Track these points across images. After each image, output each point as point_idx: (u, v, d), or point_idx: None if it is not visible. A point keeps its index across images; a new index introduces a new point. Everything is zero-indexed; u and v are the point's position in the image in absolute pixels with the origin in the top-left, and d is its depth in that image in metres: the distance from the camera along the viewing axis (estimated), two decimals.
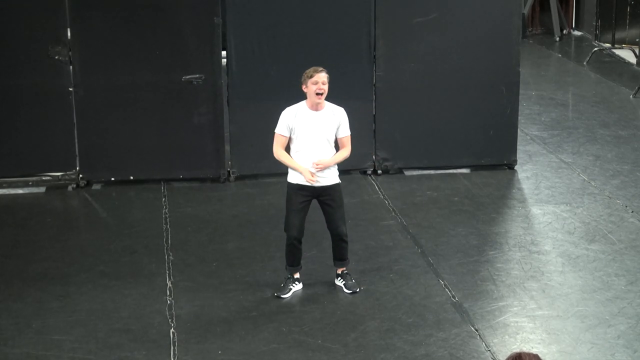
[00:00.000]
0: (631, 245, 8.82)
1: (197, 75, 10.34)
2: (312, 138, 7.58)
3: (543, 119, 13.12)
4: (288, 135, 7.65)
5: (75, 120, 10.32)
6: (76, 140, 10.38)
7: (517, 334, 7.20)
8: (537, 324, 7.33)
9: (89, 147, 10.40)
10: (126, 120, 10.40)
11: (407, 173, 10.88)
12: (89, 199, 10.21)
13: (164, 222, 9.48)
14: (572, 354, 6.89)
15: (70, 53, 10.17)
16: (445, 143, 10.86)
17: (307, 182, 7.59)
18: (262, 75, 10.45)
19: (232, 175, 10.65)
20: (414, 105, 10.76)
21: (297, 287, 7.90)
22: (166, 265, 8.46)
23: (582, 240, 8.95)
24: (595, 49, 17.36)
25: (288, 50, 10.42)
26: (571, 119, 13.21)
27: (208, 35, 10.29)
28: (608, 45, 17.87)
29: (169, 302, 7.75)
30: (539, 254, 8.64)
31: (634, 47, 16.90)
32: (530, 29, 19.47)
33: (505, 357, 4.31)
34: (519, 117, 11.24)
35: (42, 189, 10.40)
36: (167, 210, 9.80)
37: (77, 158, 10.43)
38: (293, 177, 7.69)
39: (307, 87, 7.56)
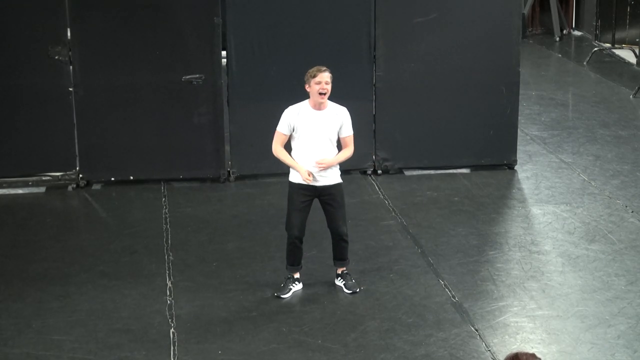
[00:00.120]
0: (631, 245, 8.82)
1: (197, 75, 10.34)
2: (315, 137, 7.58)
3: (543, 119, 13.12)
4: (288, 134, 7.66)
5: (75, 120, 10.32)
6: (76, 140, 10.38)
7: (517, 334, 7.20)
8: (537, 324, 7.33)
9: (89, 147, 10.40)
10: (126, 120, 10.40)
11: (407, 173, 10.88)
12: (89, 199, 10.21)
13: (164, 222, 9.48)
14: (572, 354, 6.89)
15: (70, 53, 10.17)
16: (445, 143, 10.87)
17: (304, 180, 7.59)
18: (262, 75, 10.45)
19: (232, 175, 10.65)
20: (414, 105, 10.76)
21: (297, 287, 7.90)
22: (166, 265, 8.46)
23: (582, 240, 8.95)
24: (595, 49, 17.37)
25: (288, 50, 10.42)
26: (571, 119, 13.21)
27: (208, 35, 10.29)
28: (608, 45, 17.87)
29: (169, 302, 7.75)
30: (539, 254, 8.65)
31: (634, 47, 16.90)
32: (530, 29, 19.48)
33: (504, 358, 4.32)
34: (519, 117, 11.24)
35: (42, 189, 10.40)
36: (167, 210, 9.80)
37: (77, 158, 10.43)
38: (295, 177, 7.69)
39: (310, 86, 7.55)
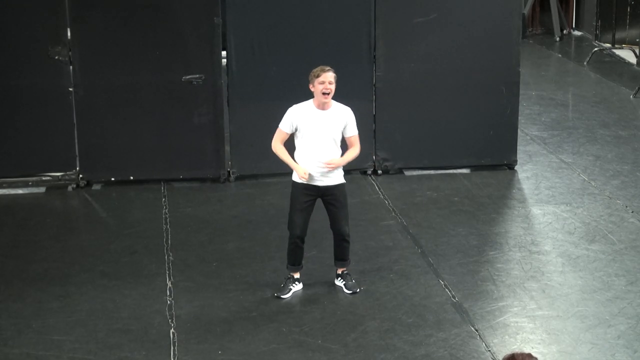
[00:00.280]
0: (631, 245, 8.82)
1: (197, 75, 10.34)
2: (319, 137, 7.58)
3: (543, 119, 13.12)
4: (289, 132, 7.66)
5: (75, 120, 10.32)
6: (76, 140, 10.38)
7: (517, 334, 7.20)
8: (537, 324, 7.33)
9: (89, 147, 10.40)
10: (126, 120, 10.40)
11: (407, 173, 10.88)
12: (89, 199, 10.21)
13: (164, 222, 9.48)
14: (572, 354, 6.89)
15: (70, 53, 10.17)
16: (445, 143, 10.87)
17: (300, 179, 7.59)
18: (262, 75, 10.45)
19: (232, 176, 10.65)
20: (414, 105, 10.76)
21: (297, 287, 7.90)
22: (166, 265, 8.46)
23: (582, 240, 8.95)
24: (596, 49, 17.37)
25: (288, 50, 10.42)
26: (571, 119, 13.21)
27: (208, 35, 10.29)
28: (608, 45, 17.87)
29: (169, 302, 7.75)
30: (539, 254, 8.64)
31: (634, 47, 16.90)
32: (530, 29, 19.48)
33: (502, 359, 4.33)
34: (519, 117, 11.24)
35: (42, 189, 10.40)
36: (167, 210, 9.80)
37: (77, 158, 10.43)
38: (298, 177, 7.68)
39: (314, 86, 7.55)
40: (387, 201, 10.03)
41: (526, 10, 18.78)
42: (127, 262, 8.55)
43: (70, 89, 10.25)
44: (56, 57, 10.14)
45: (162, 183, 10.52)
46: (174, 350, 6.99)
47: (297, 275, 7.92)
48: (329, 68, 7.57)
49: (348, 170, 9.99)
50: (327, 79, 7.51)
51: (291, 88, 9.98)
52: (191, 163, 10.57)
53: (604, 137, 12.19)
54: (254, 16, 10.33)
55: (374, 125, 10.73)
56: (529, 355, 4.27)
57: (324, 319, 7.44)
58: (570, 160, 11.27)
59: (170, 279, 8.17)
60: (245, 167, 10.67)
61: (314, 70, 7.57)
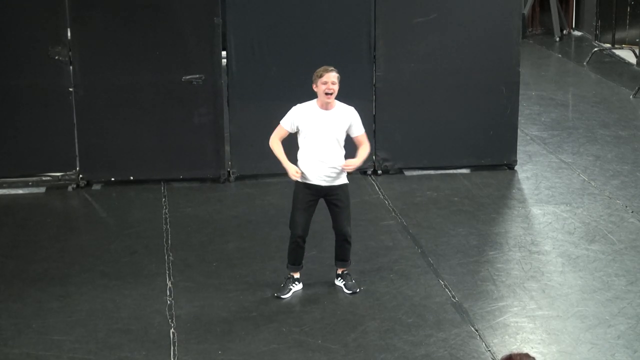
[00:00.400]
0: (631, 245, 8.82)
1: (197, 75, 10.34)
2: (322, 137, 7.57)
3: (543, 119, 13.12)
4: (289, 131, 7.66)
5: (75, 120, 10.32)
6: (76, 140, 10.38)
7: (517, 334, 7.20)
8: (537, 324, 7.33)
9: (89, 147, 10.40)
10: (126, 120, 10.40)
11: (407, 173, 10.88)
12: (89, 199, 10.21)
13: (164, 222, 9.48)
14: (572, 354, 6.89)
15: (70, 53, 10.17)
16: (445, 143, 10.87)
17: (292, 177, 7.60)
18: (262, 75, 10.45)
19: (232, 176, 10.65)
20: (414, 105, 10.76)
21: (297, 287, 7.90)
22: (166, 265, 8.46)
23: (582, 240, 8.95)
24: (595, 49, 17.36)
25: (288, 50, 10.42)
26: (571, 119, 13.21)
27: (208, 35, 10.29)
28: (608, 45, 17.86)
29: (169, 302, 7.75)
30: (539, 254, 8.64)
31: (634, 47, 16.90)
32: (530, 29, 19.47)
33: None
34: (519, 117, 11.24)
35: (42, 189, 10.40)
36: (167, 210, 9.80)
37: (77, 158, 10.43)
38: (301, 176, 7.67)
39: (317, 86, 7.55)
40: (387, 201, 10.03)
41: (526, 10, 18.78)
42: (127, 262, 8.55)
43: (70, 89, 10.25)
44: (56, 57, 10.14)
45: (162, 183, 10.52)
46: (174, 350, 6.99)
47: (297, 275, 7.91)
48: (332, 68, 7.56)
49: None
50: (330, 79, 7.51)
51: (291, 88, 9.98)
52: (191, 163, 10.57)
53: (604, 137, 12.19)
54: (254, 16, 10.33)
55: (374, 125, 10.73)
56: (526, 355, 4.28)
57: (324, 319, 7.44)
58: (570, 160, 11.28)
59: (170, 279, 8.17)
60: (245, 167, 10.67)
61: (317, 70, 7.57)
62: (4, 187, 10.38)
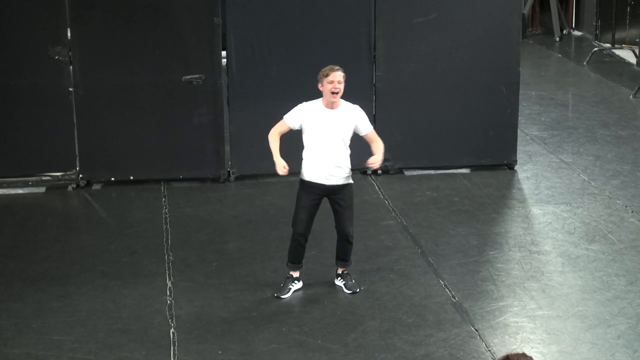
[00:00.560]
0: (631, 245, 8.82)
1: (197, 75, 10.34)
2: (327, 136, 7.57)
3: (543, 119, 13.12)
4: (291, 127, 7.64)
5: (75, 121, 10.32)
6: (76, 140, 10.38)
7: (517, 334, 7.20)
8: (537, 324, 7.33)
9: (89, 147, 10.40)
10: (126, 120, 10.40)
11: (407, 173, 10.88)
12: (89, 199, 10.21)
13: (164, 222, 9.48)
14: (572, 354, 6.89)
15: (70, 53, 10.17)
16: (445, 143, 10.87)
17: (280, 173, 7.60)
18: (262, 75, 10.45)
19: (232, 176, 10.65)
20: (414, 105, 10.76)
21: (297, 286, 7.89)
22: (166, 265, 8.46)
23: (582, 240, 8.95)
24: (595, 49, 17.36)
25: (288, 50, 10.42)
26: (571, 119, 13.21)
27: (208, 35, 10.29)
28: (608, 45, 17.87)
29: (169, 302, 7.75)
30: (539, 254, 8.64)
31: (634, 47, 16.90)
32: (530, 29, 19.47)
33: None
34: (519, 117, 11.24)
35: (42, 189, 10.40)
36: (167, 210, 9.80)
37: (77, 158, 10.43)
38: (305, 175, 7.66)
39: (322, 85, 7.55)
40: (387, 201, 10.03)
41: (526, 10, 18.78)
42: (127, 262, 8.55)
43: (70, 89, 10.25)
44: (56, 57, 10.14)
45: (162, 183, 10.52)
46: (174, 350, 6.99)
47: (296, 274, 7.91)
48: (337, 67, 7.56)
49: None
50: (336, 79, 7.51)
51: (291, 88, 9.98)
52: (191, 163, 10.57)
53: (604, 137, 12.19)
54: (254, 16, 10.33)
55: (374, 125, 10.69)
56: (523, 354, 4.27)
57: (324, 319, 7.45)
58: (570, 160, 11.28)
59: (170, 279, 8.17)
60: (245, 167, 10.67)
61: (323, 69, 7.57)
62: (4, 187, 10.38)
